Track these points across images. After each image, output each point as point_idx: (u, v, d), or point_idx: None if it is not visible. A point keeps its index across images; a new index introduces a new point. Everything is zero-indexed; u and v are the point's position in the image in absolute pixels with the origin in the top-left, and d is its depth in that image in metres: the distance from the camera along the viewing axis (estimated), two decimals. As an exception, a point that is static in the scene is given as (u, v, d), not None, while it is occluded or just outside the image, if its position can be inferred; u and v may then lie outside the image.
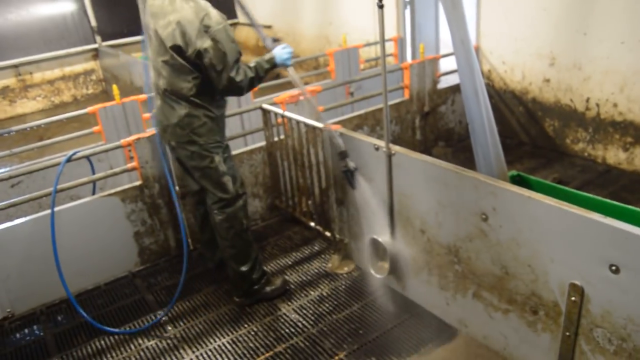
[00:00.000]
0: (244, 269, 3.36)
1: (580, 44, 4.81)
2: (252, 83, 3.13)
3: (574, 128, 5.16)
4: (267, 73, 3.22)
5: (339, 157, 3.32)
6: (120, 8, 9.45)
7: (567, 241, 2.28)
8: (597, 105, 4.87)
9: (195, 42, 2.91)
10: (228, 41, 2.93)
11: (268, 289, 3.48)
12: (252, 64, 3.13)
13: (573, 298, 2.31)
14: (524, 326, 2.63)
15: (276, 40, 3.37)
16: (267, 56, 3.21)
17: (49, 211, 3.45)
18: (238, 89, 3.08)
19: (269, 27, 9.54)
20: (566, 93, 5.10)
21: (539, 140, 5.54)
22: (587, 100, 4.94)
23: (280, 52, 3.24)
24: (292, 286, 3.61)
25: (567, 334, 2.40)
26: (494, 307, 2.75)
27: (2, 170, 4.30)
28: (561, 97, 5.16)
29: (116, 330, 3.35)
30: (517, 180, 3.45)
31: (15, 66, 8.90)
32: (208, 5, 2.99)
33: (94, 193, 3.94)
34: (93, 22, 9.31)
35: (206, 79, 3.04)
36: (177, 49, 2.98)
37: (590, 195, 3.16)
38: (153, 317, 3.44)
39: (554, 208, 2.28)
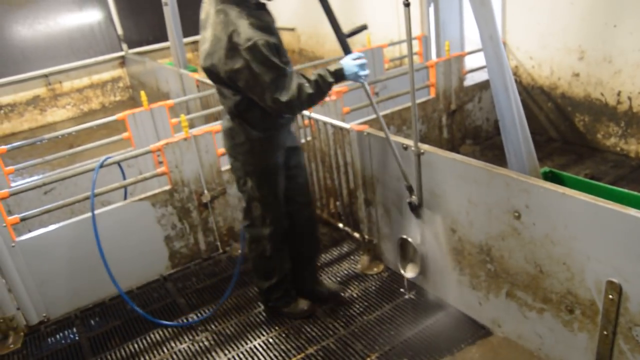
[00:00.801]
0: (263, 286, 3.27)
1: (609, 36, 4.71)
2: (310, 100, 2.65)
3: (605, 122, 5.05)
4: (332, 86, 2.73)
5: (407, 189, 3.13)
6: (146, 16, 9.58)
7: (603, 238, 2.23)
8: (629, 98, 4.76)
9: (226, 63, 2.55)
10: (263, 59, 2.49)
11: (285, 310, 3.33)
12: (313, 77, 2.65)
13: (611, 296, 2.26)
14: (559, 325, 2.58)
15: (358, 31, 2.83)
16: (333, 67, 2.70)
17: (82, 217, 3.52)
18: (289, 109, 2.64)
19: (292, 29, 9.58)
20: (596, 87, 5.00)
21: (569, 136, 5.44)
22: (619, 93, 4.83)
23: (349, 64, 2.71)
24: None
25: (605, 333, 2.34)
26: (528, 306, 2.71)
27: (36, 177, 4.39)
28: (591, 91, 5.06)
29: (170, 323, 3.46)
30: (550, 177, 3.38)
31: (46, 76, 9.10)
32: (241, 16, 2.53)
33: (125, 198, 3.99)
34: (119, 31, 9.47)
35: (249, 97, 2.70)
36: (208, 70, 2.72)
37: (626, 190, 3.09)
38: (185, 321, 3.47)
39: (589, 204, 2.23)
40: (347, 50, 2.80)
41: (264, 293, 3.30)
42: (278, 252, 3.17)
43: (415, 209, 3.15)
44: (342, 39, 2.79)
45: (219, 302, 3.55)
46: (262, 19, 2.60)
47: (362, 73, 2.74)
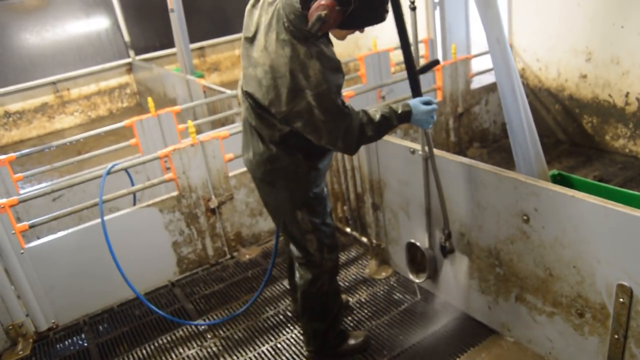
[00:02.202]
0: (319, 328, 2.86)
1: (617, 37, 4.68)
2: (369, 141, 2.44)
3: (614, 124, 5.02)
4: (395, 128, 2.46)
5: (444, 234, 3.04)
6: (152, 22, 9.62)
7: (613, 241, 2.21)
8: (638, 99, 4.73)
9: (286, 104, 2.22)
10: (328, 105, 2.20)
11: (342, 348, 2.97)
12: (377, 117, 2.35)
13: (621, 299, 2.24)
14: (570, 329, 2.56)
15: (430, 67, 2.61)
16: (400, 108, 2.41)
17: (90, 223, 3.54)
18: (345, 150, 2.38)
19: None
20: (604, 88, 4.97)
21: (577, 137, 5.41)
22: (627, 95, 4.80)
23: (420, 110, 2.43)
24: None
25: (616, 336, 2.32)
26: (538, 310, 2.68)
27: (44, 184, 4.42)
28: (599, 92, 5.03)
29: (195, 322, 3.48)
30: (558, 180, 3.36)
31: (54, 83, 9.14)
32: (311, 55, 2.18)
33: (134, 204, 4.01)
34: (126, 37, 9.51)
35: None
36: (254, 98, 2.38)
37: (636, 192, 3.06)
38: (193, 327, 3.47)
39: (599, 207, 2.22)
40: (417, 91, 2.53)
41: (321, 336, 2.89)
42: (334, 284, 2.87)
43: (448, 253, 3.07)
44: (415, 77, 2.52)
45: (251, 300, 3.56)
46: (331, 56, 2.24)
47: (428, 124, 2.51)
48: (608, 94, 4.96)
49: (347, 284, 3.67)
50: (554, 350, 2.69)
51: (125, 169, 3.75)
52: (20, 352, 3.40)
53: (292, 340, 3.21)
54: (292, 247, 2.76)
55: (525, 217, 2.55)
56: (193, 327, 3.46)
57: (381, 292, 3.53)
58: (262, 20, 2.31)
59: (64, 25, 9.14)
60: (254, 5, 2.42)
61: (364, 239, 3.92)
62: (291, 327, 3.32)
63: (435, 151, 2.95)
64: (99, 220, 3.54)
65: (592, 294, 2.38)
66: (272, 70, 2.21)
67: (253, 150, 2.54)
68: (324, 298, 2.81)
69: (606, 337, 2.39)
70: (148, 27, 9.73)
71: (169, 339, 3.40)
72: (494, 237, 2.77)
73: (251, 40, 2.37)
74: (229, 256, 4.15)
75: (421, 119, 2.46)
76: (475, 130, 5.59)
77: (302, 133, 2.31)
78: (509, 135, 2.89)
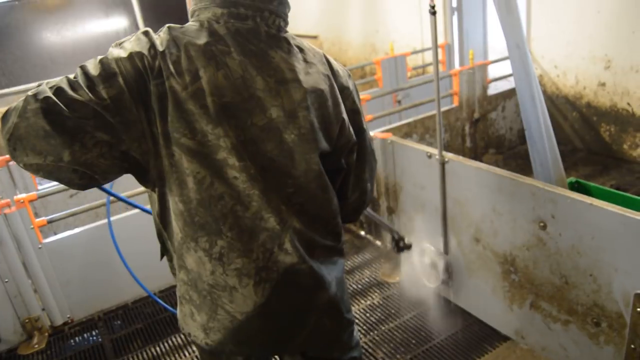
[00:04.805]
0: None
1: (637, 45, 4.64)
2: None
3: (632, 133, 4.98)
4: None
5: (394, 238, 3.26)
6: (171, 22, 9.62)
7: (631, 249, 2.20)
8: (657, 109, 4.69)
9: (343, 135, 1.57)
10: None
11: None
12: None
13: (639, 309, 2.22)
14: (585, 338, 2.54)
15: None
16: None
17: (106, 220, 3.56)
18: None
19: (314, 37, 9.63)
20: (623, 97, 4.93)
21: (594, 146, 5.37)
22: (646, 104, 4.76)
23: None
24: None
25: (632, 346, 2.30)
26: (552, 317, 2.67)
27: (62, 180, 4.46)
28: (618, 101, 4.99)
29: None
30: (576, 187, 3.35)
31: (72, 81, 9.26)
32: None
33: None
34: (144, 37, 9.61)
35: None
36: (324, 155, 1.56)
37: (654, 202, 3.04)
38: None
39: (617, 215, 2.20)
40: None
41: None
42: None
43: (403, 249, 3.25)
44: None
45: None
46: None
47: None
48: (627, 103, 4.92)
49: (360, 287, 3.67)
50: (568, 359, 2.67)
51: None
52: (36, 346, 3.44)
53: (304, 341, 3.22)
54: None
55: (542, 224, 2.54)
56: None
57: (394, 295, 3.53)
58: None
59: (83, 24, 9.25)
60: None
61: (378, 242, 3.92)
62: (304, 329, 3.32)
63: (452, 156, 2.95)
64: (115, 217, 3.58)
65: (609, 303, 2.36)
66: (317, 97, 1.48)
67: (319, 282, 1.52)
68: None
69: (622, 347, 2.37)
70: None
71: (182, 336, 3.42)
72: (509, 244, 2.76)
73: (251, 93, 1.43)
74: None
75: None
76: (491, 136, 5.56)
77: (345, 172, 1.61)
78: (527, 142, 2.89)
